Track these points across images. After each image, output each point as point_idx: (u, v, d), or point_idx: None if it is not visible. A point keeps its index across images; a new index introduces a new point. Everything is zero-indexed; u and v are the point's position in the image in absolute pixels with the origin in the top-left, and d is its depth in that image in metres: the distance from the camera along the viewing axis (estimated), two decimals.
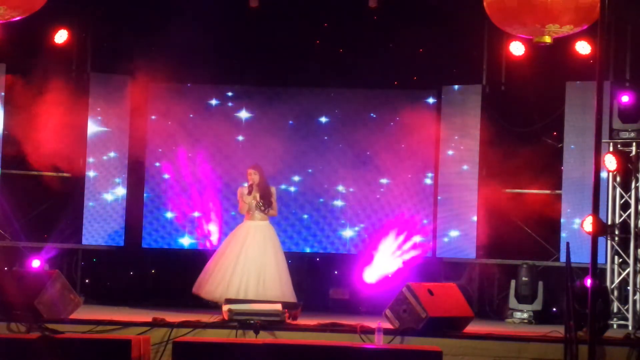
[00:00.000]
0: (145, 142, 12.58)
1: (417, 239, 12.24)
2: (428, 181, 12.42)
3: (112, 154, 12.38)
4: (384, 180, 12.48)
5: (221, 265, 10.68)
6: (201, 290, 10.60)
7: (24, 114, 11.68)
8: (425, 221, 12.34)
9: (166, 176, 12.53)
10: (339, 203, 12.54)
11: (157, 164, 12.57)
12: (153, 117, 12.56)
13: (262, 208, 10.82)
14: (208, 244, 12.29)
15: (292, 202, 12.50)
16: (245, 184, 10.97)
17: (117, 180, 12.36)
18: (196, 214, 12.43)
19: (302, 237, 12.47)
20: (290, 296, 10.59)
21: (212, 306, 10.29)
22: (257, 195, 10.83)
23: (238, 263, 10.60)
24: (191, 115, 12.53)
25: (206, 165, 12.49)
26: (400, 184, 12.48)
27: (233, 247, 10.75)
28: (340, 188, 12.55)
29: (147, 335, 8.46)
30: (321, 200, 12.55)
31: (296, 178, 12.53)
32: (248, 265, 10.59)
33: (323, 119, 12.62)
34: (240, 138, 12.57)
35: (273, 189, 11.03)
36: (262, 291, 10.43)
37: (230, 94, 12.69)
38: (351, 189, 12.53)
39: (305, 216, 12.45)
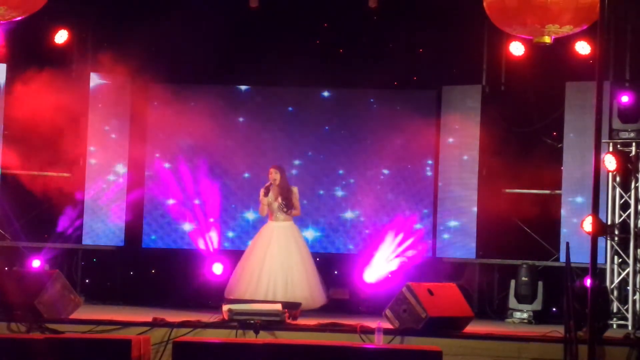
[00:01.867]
0: (145, 140, 12.58)
1: (416, 239, 12.25)
2: (428, 175, 12.41)
3: (112, 153, 12.38)
4: (385, 171, 12.48)
5: (248, 268, 10.76)
6: (232, 295, 10.62)
7: (24, 114, 11.68)
8: (425, 211, 12.33)
9: (167, 165, 12.53)
10: (338, 200, 12.55)
11: (157, 155, 12.58)
12: (153, 112, 12.54)
13: (285, 209, 10.86)
14: (210, 246, 12.29)
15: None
16: (264, 189, 10.97)
17: (117, 179, 12.36)
18: (196, 201, 12.42)
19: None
20: (318, 295, 10.68)
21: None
22: (279, 197, 10.86)
23: (264, 265, 10.66)
24: (191, 109, 12.54)
25: (207, 166, 12.50)
26: (400, 183, 12.49)
27: (258, 249, 10.83)
28: (339, 188, 12.57)
29: (147, 335, 8.47)
30: (321, 192, 12.56)
31: (296, 166, 12.54)
32: (274, 266, 10.65)
33: (323, 119, 12.62)
34: (240, 137, 12.57)
35: (295, 189, 11.05)
36: (290, 292, 10.49)
37: (230, 94, 12.69)
38: (352, 182, 12.53)
39: (305, 201, 12.40)
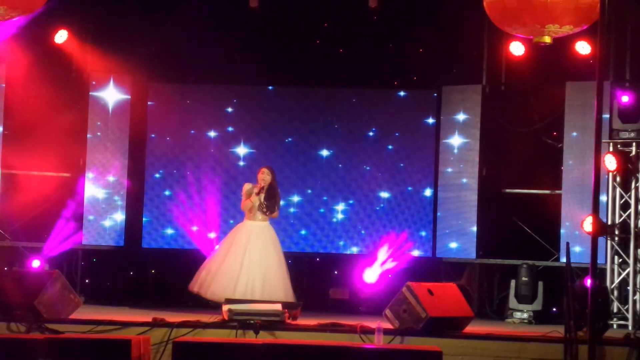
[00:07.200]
0: (145, 140, 12.58)
1: (416, 239, 12.26)
2: (427, 175, 12.41)
3: (112, 153, 12.38)
4: (384, 170, 12.48)
5: (226, 267, 10.62)
6: (203, 290, 10.55)
7: (24, 114, 11.68)
8: (425, 211, 12.33)
9: (167, 165, 12.53)
10: (337, 200, 12.55)
11: (157, 154, 12.58)
12: (153, 111, 12.53)
13: (265, 210, 10.77)
14: (210, 246, 12.29)
15: (292, 201, 12.51)
16: (250, 184, 10.90)
17: (117, 179, 12.35)
18: (196, 200, 12.41)
19: (302, 237, 12.48)
20: (291, 296, 10.61)
21: (214, 307, 10.22)
22: (262, 197, 10.77)
23: (243, 265, 10.57)
24: (191, 109, 12.53)
25: (207, 165, 12.51)
26: (400, 183, 12.49)
27: (236, 249, 10.70)
28: (338, 188, 12.58)
29: (147, 335, 8.47)
30: (319, 192, 12.56)
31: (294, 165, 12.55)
32: (253, 266, 10.58)
33: (322, 118, 12.62)
34: (240, 136, 12.58)
35: (277, 190, 11.01)
36: (267, 292, 10.43)
37: (230, 93, 12.69)
38: (351, 182, 12.54)
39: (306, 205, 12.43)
